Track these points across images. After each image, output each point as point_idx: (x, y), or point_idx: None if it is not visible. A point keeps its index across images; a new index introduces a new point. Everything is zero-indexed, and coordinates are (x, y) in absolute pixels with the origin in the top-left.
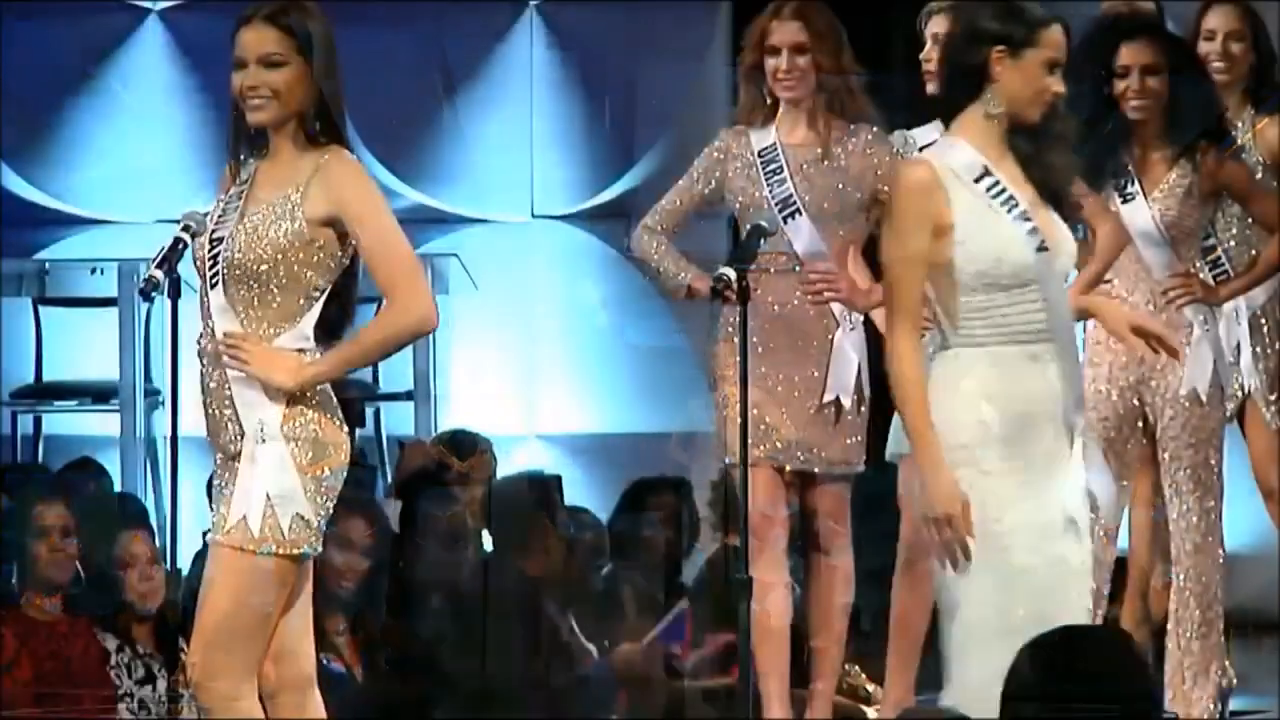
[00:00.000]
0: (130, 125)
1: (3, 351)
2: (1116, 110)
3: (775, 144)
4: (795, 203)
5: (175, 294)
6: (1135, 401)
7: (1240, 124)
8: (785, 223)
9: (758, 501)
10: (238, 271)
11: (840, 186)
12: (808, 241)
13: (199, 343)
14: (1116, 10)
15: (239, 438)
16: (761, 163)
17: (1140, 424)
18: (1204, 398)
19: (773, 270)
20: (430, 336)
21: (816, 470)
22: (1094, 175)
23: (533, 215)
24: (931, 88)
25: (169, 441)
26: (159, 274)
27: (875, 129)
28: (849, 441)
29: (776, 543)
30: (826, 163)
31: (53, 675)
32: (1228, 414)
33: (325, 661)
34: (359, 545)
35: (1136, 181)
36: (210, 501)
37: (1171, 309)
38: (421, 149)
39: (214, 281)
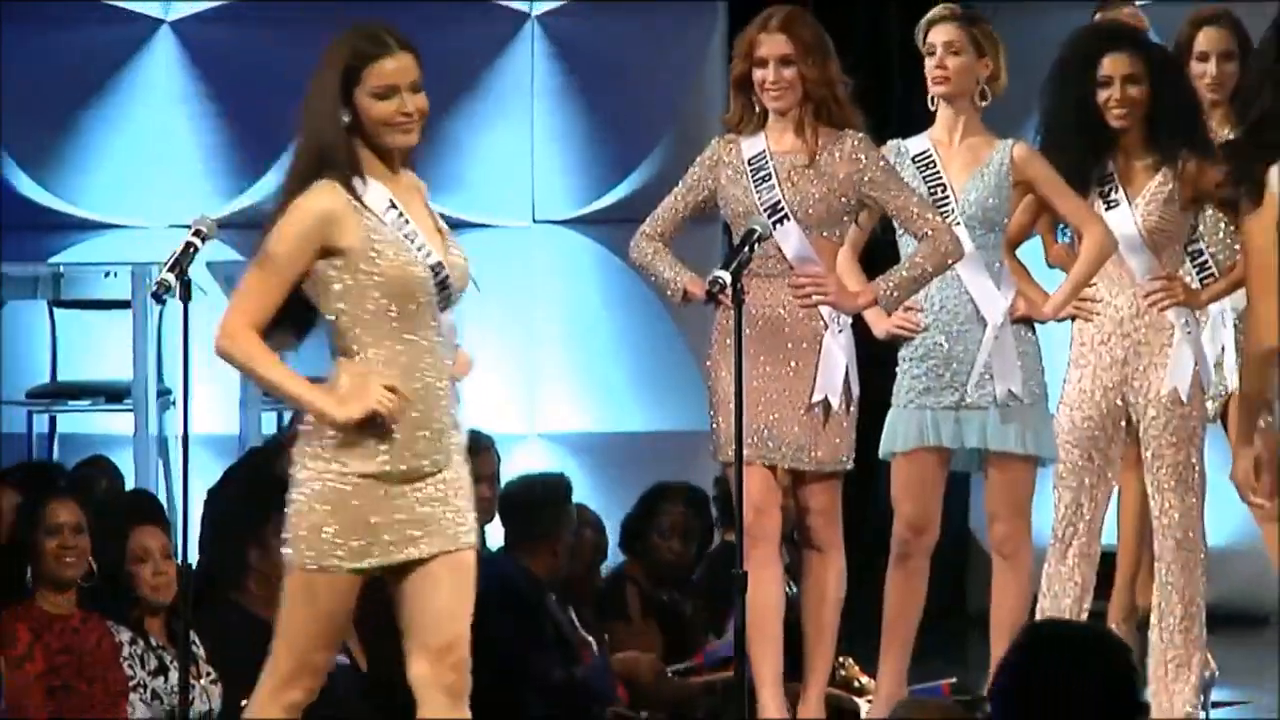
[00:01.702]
0: (142, 132)
1: (19, 352)
2: (1101, 119)
3: (764, 151)
4: (784, 208)
5: (186, 296)
6: (1119, 401)
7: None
8: (774, 227)
9: (751, 499)
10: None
11: (827, 192)
12: (796, 246)
13: (423, 378)
14: (1101, 21)
15: (448, 456)
16: (751, 170)
17: (1124, 423)
18: (1185, 398)
19: (763, 274)
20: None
21: (807, 469)
22: (1080, 182)
23: (534, 220)
24: (943, 90)
25: (180, 440)
26: (171, 277)
27: (861, 136)
28: (838, 441)
29: (770, 539)
30: (813, 169)
31: (66, 668)
32: (1211, 414)
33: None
34: None
35: (1120, 189)
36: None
37: (1154, 311)
38: (426, 157)
39: (445, 305)
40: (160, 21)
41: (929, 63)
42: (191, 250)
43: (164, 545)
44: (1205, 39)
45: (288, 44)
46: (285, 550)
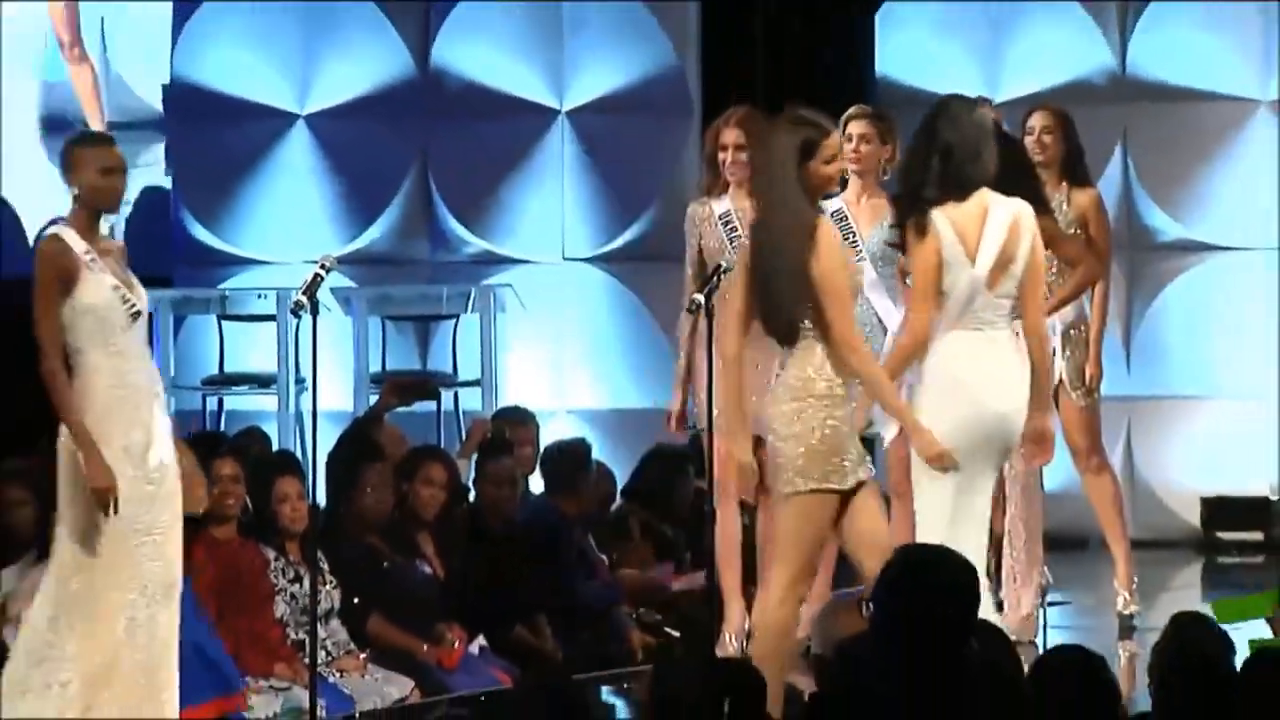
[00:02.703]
0: (283, 194)
1: (196, 353)
2: None
3: (730, 210)
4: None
5: (314, 312)
6: None
7: (1058, 195)
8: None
9: (721, 459)
10: None
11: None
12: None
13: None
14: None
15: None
16: (722, 223)
17: None
18: None
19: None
20: (492, 341)
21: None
22: None
23: (564, 258)
24: (856, 168)
25: (311, 414)
26: (304, 299)
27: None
28: None
29: (731, 492)
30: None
31: (228, 579)
32: None
33: (418, 564)
34: (439, 483)
35: None
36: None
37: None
38: (483, 213)
39: None
40: (297, 116)
41: (847, 147)
42: (318, 279)
43: (299, 490)
44: (1034, 118)
45: (386, 133)
46: (795, 480)
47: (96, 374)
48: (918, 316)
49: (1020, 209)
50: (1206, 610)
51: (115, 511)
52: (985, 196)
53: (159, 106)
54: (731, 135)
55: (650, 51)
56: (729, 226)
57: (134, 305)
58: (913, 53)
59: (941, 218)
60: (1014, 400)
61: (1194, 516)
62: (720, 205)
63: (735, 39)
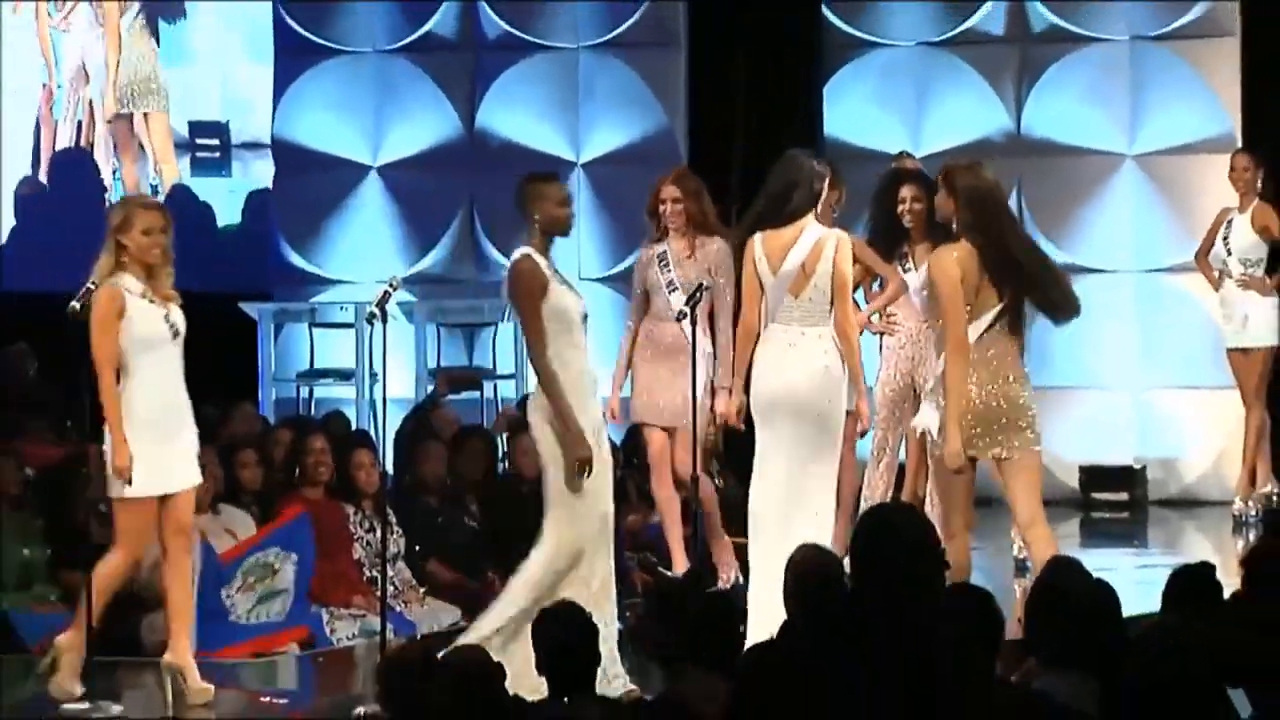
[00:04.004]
0: (359, 227)
1: (291, 353)
2: (900, 221)
3: (666, 250)
4: (675, 284)
5: (384, 320)
6: (910, 380)
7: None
8: (671, 292)
9: (653, 447)
10: None
11: (699, 274)
12: (682, 302)
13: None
14: (899, 167)
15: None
16: (659, 262)
17: (913, 394)
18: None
19: (665, 319)
20: (523, 343)
21: (683, 427)
22: (887, 256)
23: (580, 278)
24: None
25: (382, 401)
26: (376, 310)
27: (720, 242)
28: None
29: (664, 468)
30: (692, 260)
31: (319, 529)
32: None
33: (464, 518)
34: (480, 454)
35: (911, 260)
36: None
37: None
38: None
39: None
40: (370, 167)
41: None
42: (387, 295)
43: (372, 460)
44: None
45: (441, 181)
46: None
47: (567, 367)
48: (743, 315)
49: (828, 236)
50: (1080, 555)
51: (588, 475)
52: (802, 225)
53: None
54: (669, 191)
55: (646, 116)
56: (663, 263)
57: (581, 307)
58: (853, 117)
59: (758, 241)
60: (795, 379)
61: (1074, 481)
62: (660, 247)
63: (714, 107)
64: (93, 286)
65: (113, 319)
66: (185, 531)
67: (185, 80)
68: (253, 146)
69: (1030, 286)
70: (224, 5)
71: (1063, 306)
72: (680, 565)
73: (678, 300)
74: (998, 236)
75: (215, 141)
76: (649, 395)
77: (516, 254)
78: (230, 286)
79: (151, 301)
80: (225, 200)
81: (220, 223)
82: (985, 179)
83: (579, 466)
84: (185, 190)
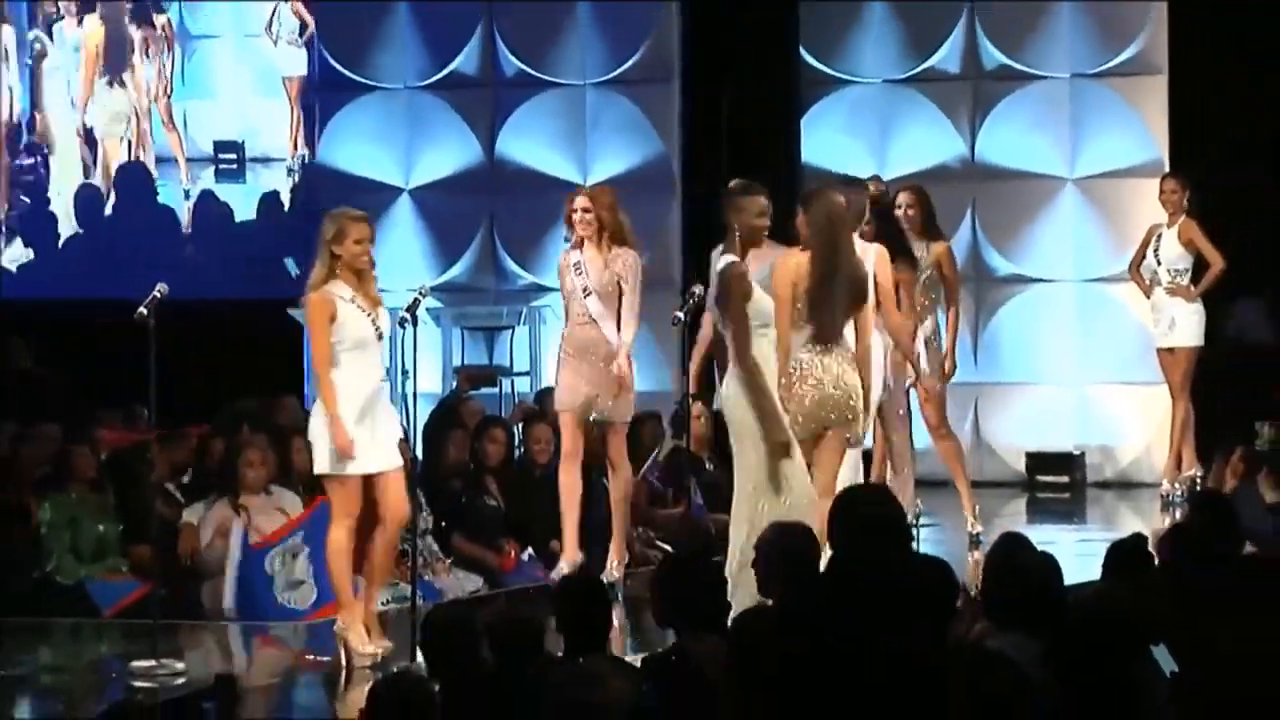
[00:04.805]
0: (394, 243)
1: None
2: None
3: (580, 259)
4: (590, 288)
5: (415, 324)
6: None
7: (920, 247)
8: (585, 297)
9: (566, 434)
10: None
11: (610, 279)
12: (596, 307)
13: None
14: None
15: None
16: (574, 269)
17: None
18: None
19: (584, 322)
20: (537, 345)
21: (610, 419)
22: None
23: None
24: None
25: (413, 395)
26: (408, 315)
27: (632, 253)
28: (623, 406)
29: (574, 458)
30: (605, 267)
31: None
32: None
33: (485, 498)
34: (499, 441)
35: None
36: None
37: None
38: (532, 255)
39: None
40: (403, 189)
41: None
42: (417, 301)
43: (404, 446)
44: (901, 196)
45: (465, 201)
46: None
47: (766, 362)
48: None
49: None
50: (1027, 531)
51: (790, 456)
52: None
53: None
54: (580, 201)
55: (645, 144)
56: (577, 270)
57: (771, 310)
58: (826, 146)
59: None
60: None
61: (1020, 465)
62: (575, 255)
63: (704, 136)
64: (159, 294)
65: (325, 322)
66: (395, 508)
67: (209, 109)
68: (262, 160)
69: (819, 300)
70: (238, 49)
71: (822, 332)
72: (572, 556)
73: (593, 304)
74: (829, 254)
75: (233, 156)
76: (570, 392)
77: (722, 262)
78: (277, 294)
79: (360, 306)
80: (242, 200)
81: (237, 218)
82: (826, 205)
83: (781, 449)
84: (210, 194)
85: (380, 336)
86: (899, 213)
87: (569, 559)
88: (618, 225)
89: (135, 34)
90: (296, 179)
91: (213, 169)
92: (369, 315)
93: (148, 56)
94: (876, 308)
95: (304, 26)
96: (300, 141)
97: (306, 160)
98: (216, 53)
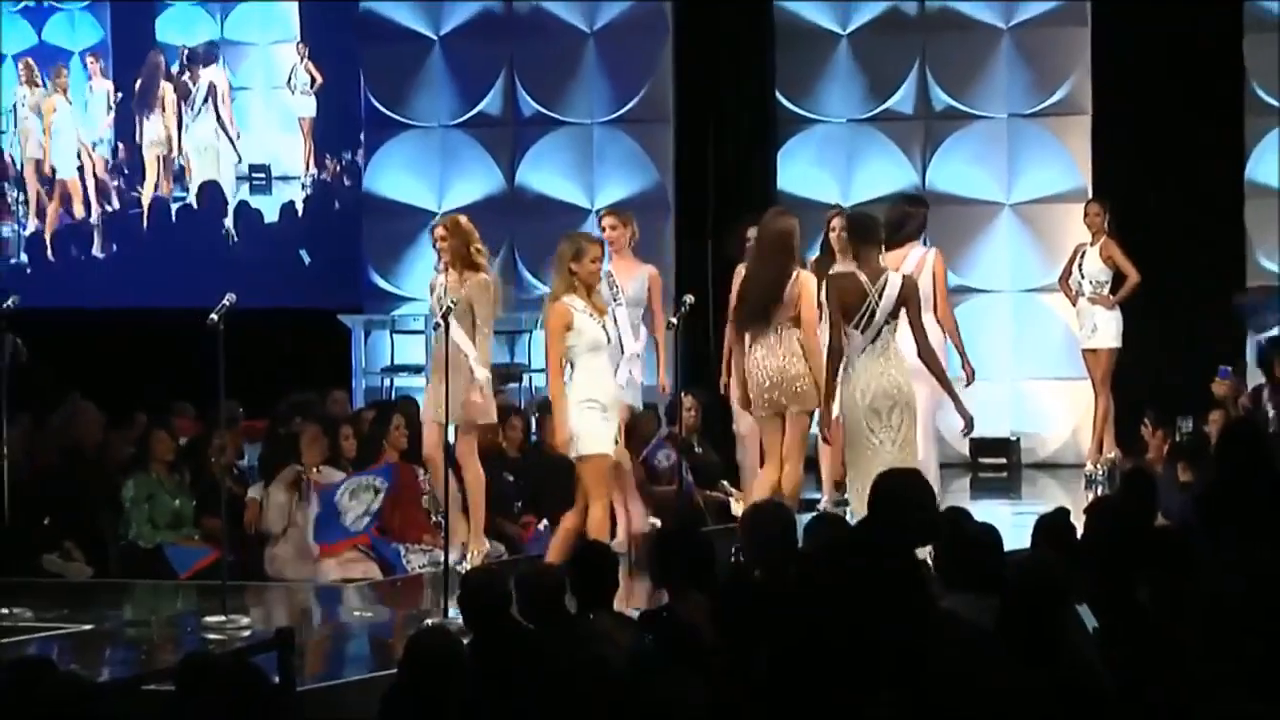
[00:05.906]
0: (428, 259)
1: (377, 353)
2: (831, 247)
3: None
4: (451, 307)
5: (447, 329)
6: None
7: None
8: (617, 306)
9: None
10: None
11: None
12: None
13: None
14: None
15: None
16: (438, 288)
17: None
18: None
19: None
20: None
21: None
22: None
23: None
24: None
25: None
26: (440, 321)
27: (482, 275)
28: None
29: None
30: (459, 288)
31: (397, 483)
32: None
33: (507, 476)
34: (518, 429)
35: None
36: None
37: None
38: (547, 268)
39: None
40: (435, 212)
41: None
42: (449, 309)
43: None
44: (835, 221)
45: (488, 224)
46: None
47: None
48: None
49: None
50: (971, 506)
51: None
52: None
53: None
54: (438, 231)
55: (644, 175)
56: (438, 290)
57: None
58: (799, 177)
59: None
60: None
61: (965, 450)
62: (440, 277)
63: (695, 168)
64: (228, 303)
65: (561, 330)
66: (625, 476)
67: (245, 140)
68: (283, 178)
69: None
70: (265, 96)
71: (744, 322)
72: (481, 546)
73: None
74: (758, 268)
75: (263, 175)
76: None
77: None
78: (330, 303)
79: (592, 316)
80: (268, 207)
81: (265, 220)
82: (769, 226)
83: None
84: (246, 203)
85: (609, 340)
86: (833, 236)
87: (481, 550)
88: (469, 251)
89: (219, 82)
90: (308, 192)
91: (248, 185)
92: (598, 322)
93: (219, 101)
94: (933, 307)
95: (314, 80)
96: (311, 164)
97: (316, 178)
98: (251, 99)
